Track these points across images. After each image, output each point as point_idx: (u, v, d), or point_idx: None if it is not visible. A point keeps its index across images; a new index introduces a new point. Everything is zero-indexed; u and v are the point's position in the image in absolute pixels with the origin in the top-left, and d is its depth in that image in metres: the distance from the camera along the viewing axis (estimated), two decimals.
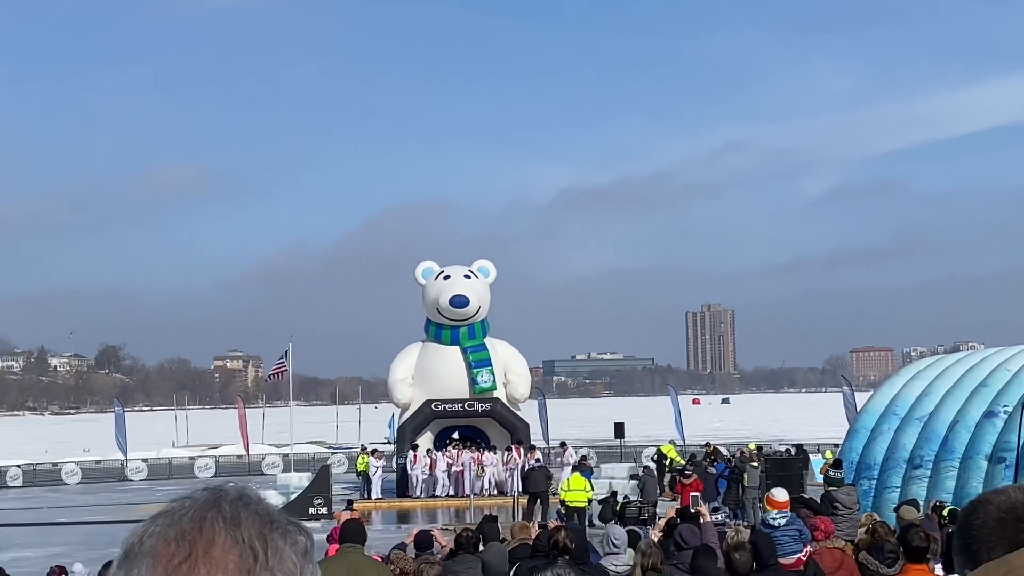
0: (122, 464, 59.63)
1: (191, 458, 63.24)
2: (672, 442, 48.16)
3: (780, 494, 12.56)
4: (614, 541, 12.63)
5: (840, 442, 31.47)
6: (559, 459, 45.09)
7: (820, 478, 31.80)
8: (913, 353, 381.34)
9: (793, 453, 38.92)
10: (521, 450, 41.52)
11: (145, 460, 61.29)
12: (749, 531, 12.66)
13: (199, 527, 1.42)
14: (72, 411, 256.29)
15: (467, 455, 41.95)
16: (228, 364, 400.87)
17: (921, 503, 19.26)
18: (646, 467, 39.38)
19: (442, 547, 14.37)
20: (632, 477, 36.72)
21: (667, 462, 43.71)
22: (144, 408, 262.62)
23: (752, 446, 42.68)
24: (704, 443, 48.33)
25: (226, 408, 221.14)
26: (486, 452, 42.61)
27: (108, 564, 10.26)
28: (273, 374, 53.59)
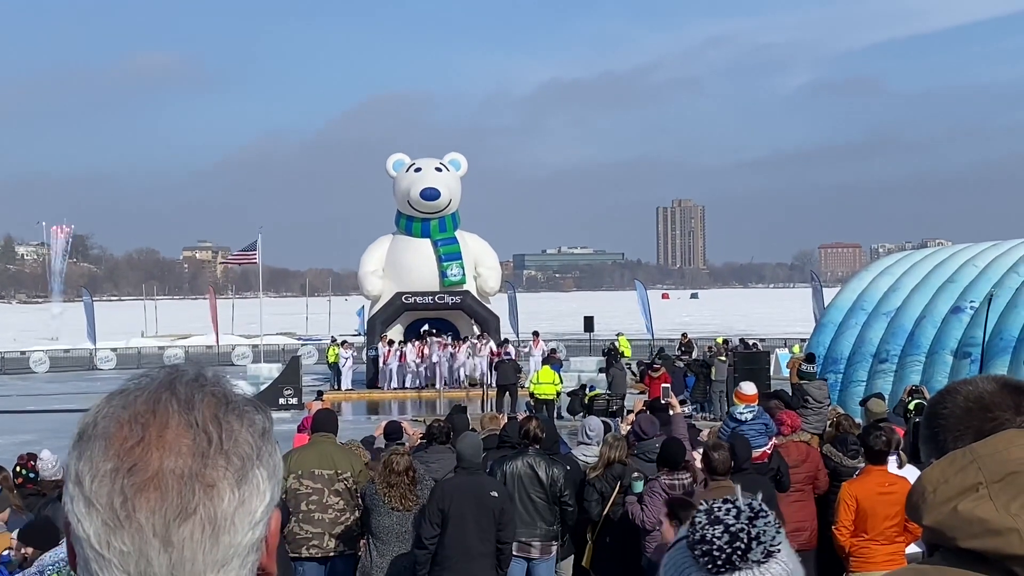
0: (91, 353, 59.65)
1: (160, 348, 63.30)
2: (620, 334, 48.33)
3: (748, 388, 12.63)
4: (588, 432, 12.73)
5: (807, 337, 31.74)
6: (526, 350, 45.23)
7: (786, 372, 32.18)
8: (881, 249, 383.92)
9: (758, 348, 39.26)
10: (489, 342, 41.70)
11: (114, 349, 61.31)
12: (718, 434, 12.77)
13: (153, 409, 1.38)
14: (40, 300, 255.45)
15: (436, 346, 42.11)
16: (197, 255, 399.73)
17: (887, 397, 19.46)
18: (614, 360, 39.68)
19: (410, 436, 14.44)
20: (601, 370, 36.99)
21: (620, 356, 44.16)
22: (112, 298, 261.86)
23: (719, 340, 43.01)
24: (676, 337, 48.65)
25: (195, 299, 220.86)
26: (457, 343, 42.79)
27: None
28: (236, 261, 53.39)
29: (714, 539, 1.72)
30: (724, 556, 1.71)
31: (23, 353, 61.18)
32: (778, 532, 1.74)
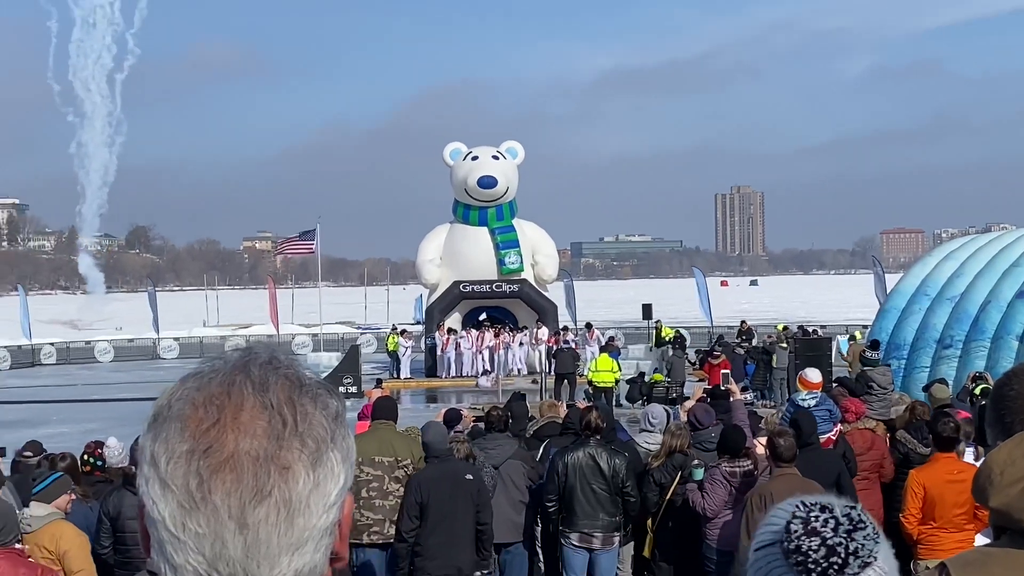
0: (154, 343, 60.33)
1: (222, 337, 63.87)
2: (658, 324, 48.21)
3: (813, 375, 12.53)
4: (651, 419, 12.69)
5: (869, 324, 31.42)
6: (583, 341, 45.16)
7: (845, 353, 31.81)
8: (944, 234, 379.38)
9: (819, 334, 38.93)
10: (547, 331, 41.68)
11: (176, 339, 61.97)
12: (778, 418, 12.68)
13: (227, 391, 1.38)
14: (107, 290, 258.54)
15: (489, 338, 42.18)
16: (257, 245, 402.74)
17: (951, 383, 19.23)
18: (674, 348, 39.54)
19: (464, 419, 14.49)
20: (650, 349, 36.82)
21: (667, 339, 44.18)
22: (174, 288, 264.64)
23: (780, 327, 42.70)
24: (736, 324, 48.38)
25: (255, 288, 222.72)
26: (515, 333, 42.82)
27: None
28: (293, 250, 53.63)
29: (810, 551, 1.67)
30: (819, 569, 1.67)
31: (88, 343, 62.01)
32: (877, 542, 1.69)
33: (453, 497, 9.89)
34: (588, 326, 45.32)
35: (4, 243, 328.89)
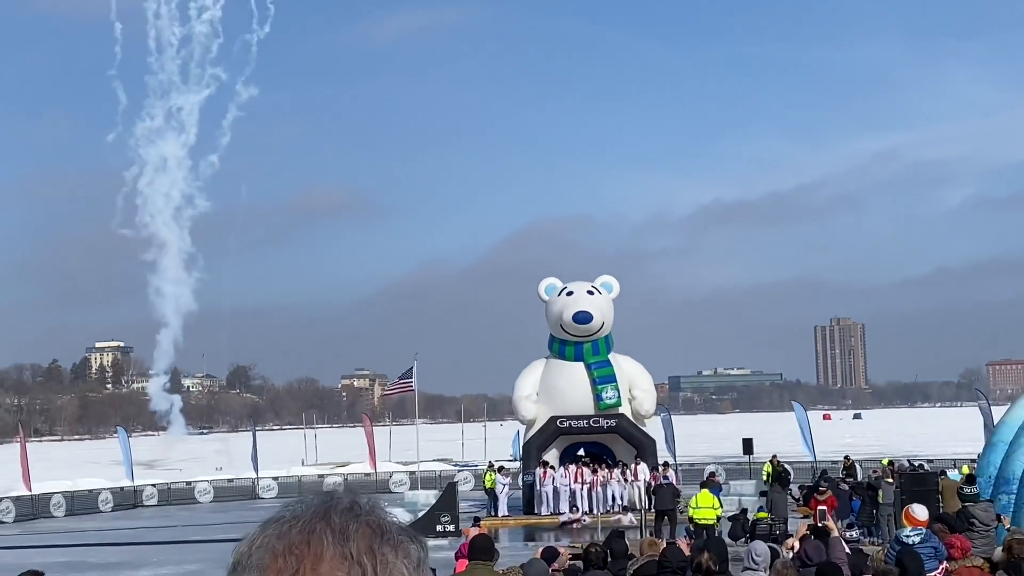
0: (253, 482, 60.69)
1: (320, 476, 64.08)
2: (772, 460, 47.38)
3: (920, 511, 12.19)
4: (755, 557, 12.46)
5: (975, 457, 30.61)
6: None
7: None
8: None
9: (926, 468, 38.03)
10: (646, 467, 41.20)
11: (275, 478, 62.28)
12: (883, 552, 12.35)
13: (307, 540, 1.37)
14: (205, 431, 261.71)
15: (588, 474, 41.83)
16: (355, 383, 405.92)
17: None
18: (774, 484, 38.86)
19: (561, 555, 14.33)
20: (762, 494, 36.22)
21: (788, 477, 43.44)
22: (274, 427, 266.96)
23: (885, 461, 41.80)
24: (842, 458, 47.42)
25: (353, 426, 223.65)
26: (612, 469, 42.40)
27: None
28: (393, 391, 54.00)
29: None
30: None
31: (188, 483, 62.56)
32: None
33: None
34: (665, 464, 44.24)
35: (109, 385, 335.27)
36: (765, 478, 44.39)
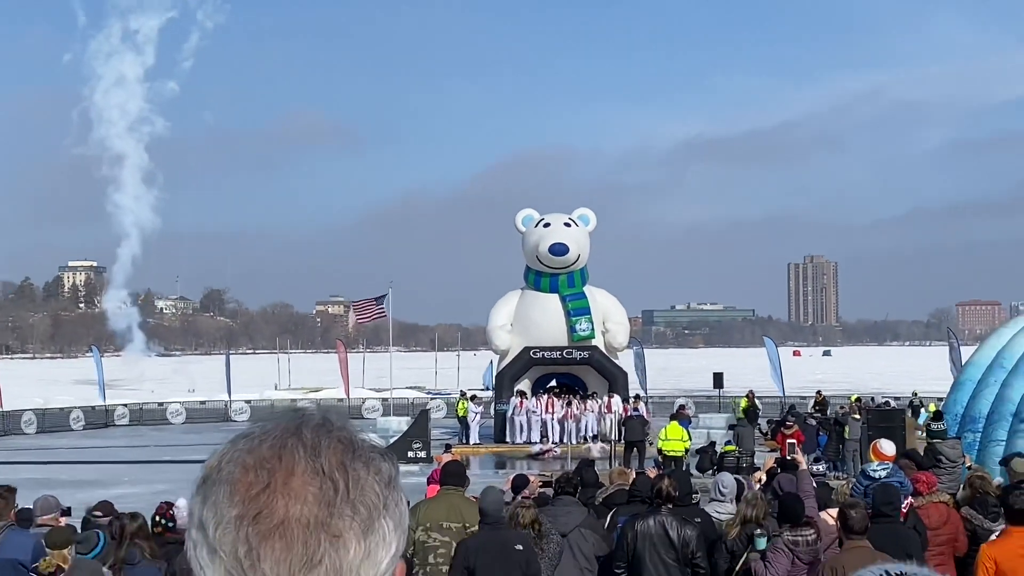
0: (226, 405, 60.83)
1: (293, 400, 64.24)
2: (748, 395, 47.75)
3: (887, 446, 12.37)
4: (722, 489, 12.63)
5: (944, 396, 30.95)
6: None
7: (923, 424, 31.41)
8: (1022, 307, 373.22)
9: (897, 405, 38.43)
10: (619, 399, 41.45)
11: (248, 402, 62.43)
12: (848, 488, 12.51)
13: (278, 455, 1.36)
14: (178, 353, 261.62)
15: (560, 406, 42.04)
16: (330, 309, 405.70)
17: None
18: (740, 417, 39.20)
19: (531, 484, 14.47)
20: (730, 427, 36.55)
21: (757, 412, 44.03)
22: (247, 351, 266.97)
23: (853, 398, 42.21)
24: (808, 395, 47.85)
25: (327, 352, 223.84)
26: (585, 401, 42.64)
27: None
28: (365, 316, 53.94)
29: None
30: None
31: (160, 405, 62.65)
32: None
33: (501, 565, 9.81)
34: (636, 397, 44.27)
35: (82, 305, 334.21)
36: (742, 414, 44.72)
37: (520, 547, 9.95)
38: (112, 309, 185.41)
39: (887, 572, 1.69)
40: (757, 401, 46.69)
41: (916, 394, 50.47)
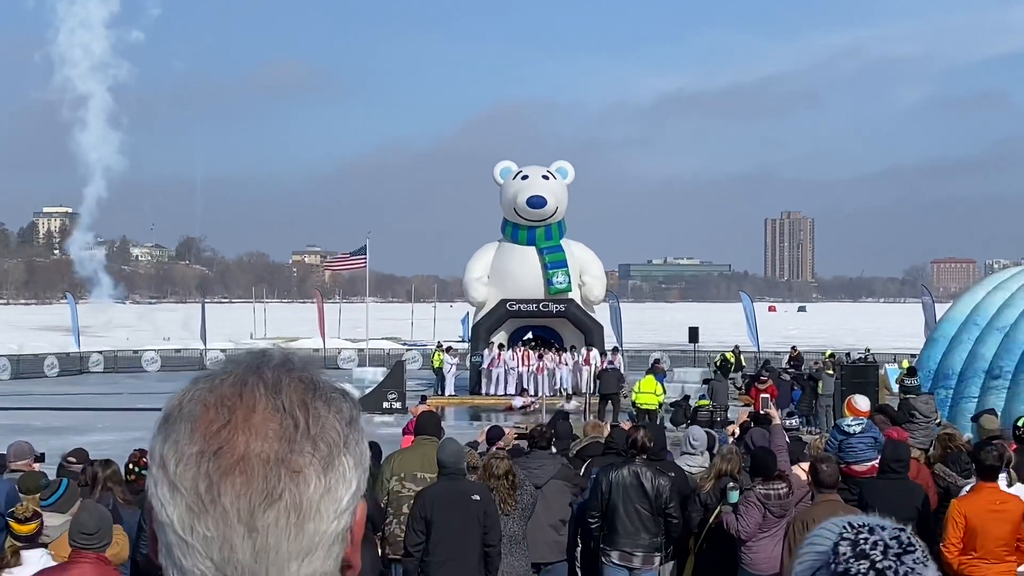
0: (201, 353, 60.76)
1: (280, 348, 64.11)
2: (734, 350, 48.04)
3: (862, 402, 12.44)
4: (692, 442, 12.71)
5: (917, 352, 31.14)
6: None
7: (895, 387, 31.70)
8: (996, 265, 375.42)
9: (867, 360, 38.65)
10: (594, 351, 41.58)
11: (223, 350, 62.30)
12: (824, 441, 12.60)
13: (239, 393, 1.36)
14: (153, 301, 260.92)
15: (534, 358, 42.15)
16: (306, 259, 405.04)
17: (999, 413, 18.98)
18: (716, 371, 39.39)
19: (505, 436, 14.53)
20: (705, 381, 36.73)
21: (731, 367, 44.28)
22: (223, 300, 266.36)
23: (827, 354, 42.44)
24: (782, 350, 48.08)
25: (303, 302, 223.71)
26: (561, 354, 42.76)
27: None
28: (343, 266, 53.92)
29: (859, 574, 1.63)
30: None
31: (135, 352, 62.54)
32: (926, 566, 1.66)
33: (458, 516, 9.86)
34: (615, 350, 44.34)
35: (56, 251, 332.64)
36: (716, 366, 45.08)
37: (477, 497, 9.98)
38: (77, 253, 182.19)
39: (849, 524, 1.69)
40: (742, 357, 47.10)
41: (868, 350, 51.14)
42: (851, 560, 1.65)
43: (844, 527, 1.69)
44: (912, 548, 1.65)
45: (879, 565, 1.63)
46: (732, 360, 45.85)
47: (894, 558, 1.64)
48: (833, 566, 1.66)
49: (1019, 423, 15.12)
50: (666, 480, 10.87)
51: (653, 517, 10.81)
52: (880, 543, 1.65)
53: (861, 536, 1.67)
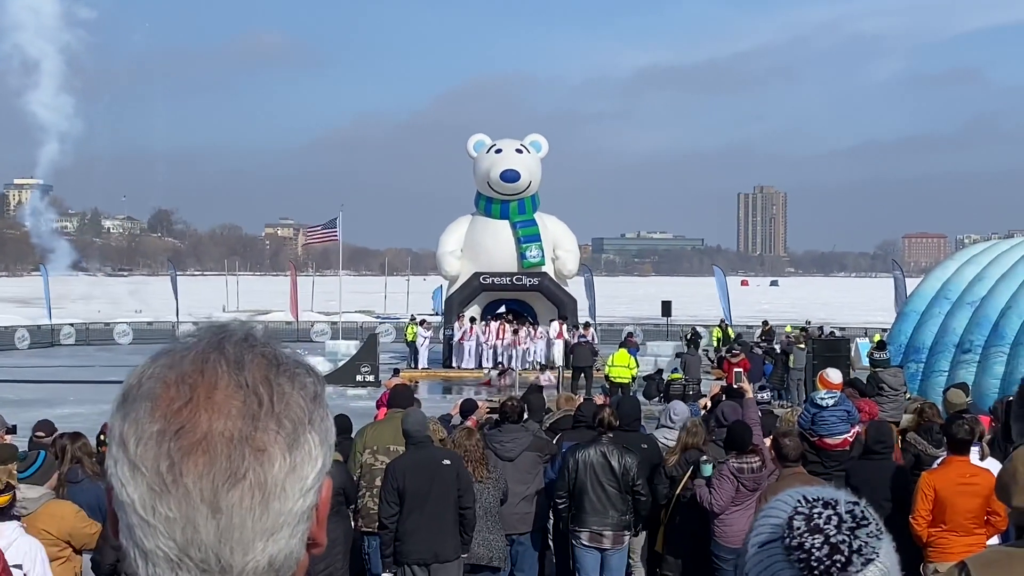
0: (173, 326, 60.53)
1: (241, 323, 63.96)
2: (721, 324, 48.21)
3: (834, 374, 12.49)
4: (672, 416, 12.76)
5: (888, 327, 31.30)
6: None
7: (866, 361, 31.91)
8: (967, 240, 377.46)
9: (837, 335, 38.84)
10: (566, 325, 41.61)
11: (196, 323, 62.06)
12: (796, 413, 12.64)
13: (200, 370, 1.30)
14: (124, 273, 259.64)
15: (508, 332, 42.15)
16: (279, 231, 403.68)
17: (969, 387, 19.11)
18: (689, 344, 39.50)
19: (479, 410, 14.56)
20: (677, 355, 36.86)
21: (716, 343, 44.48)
22: (195, 272, 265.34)
23: (798, 328, 42.60)
24: (754, 324, 48.26)
25: (276, 275, 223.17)
26: (535, 327, 42.77)
27: None
28: (316, 239, 53.78)
29: (813, 549, 1.62)
30: (822, 568, 1.62)
31: (107, 324, 62.27)
32: (880, 539, 1.65)
33: (430, 483, 9.88)
34: (586, 325, 44.28)
35: (27, 224, 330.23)
36: (716, 344, 45.11)
37: (448, 461, 10.00)
38: (31, 220, 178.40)
39: (804, 498, 1.68)
40: (699, 329, 47.28)
41: (818, 326, 51.42)
42: (805, 534, 1.63)
43: (799, 500, 1.67)
44: (866, 522, 1.64)
45: (833, 539, 1.62)
46: (718, 336, 45.94)
47: (848, 532, 1.62)
48: (787, 540, 1.64)
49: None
50: (633, 458, 10.90)
51: (621, 495, 10.84)
52: (834, 517, 1.64)
53: (815, 510, 1.65)
